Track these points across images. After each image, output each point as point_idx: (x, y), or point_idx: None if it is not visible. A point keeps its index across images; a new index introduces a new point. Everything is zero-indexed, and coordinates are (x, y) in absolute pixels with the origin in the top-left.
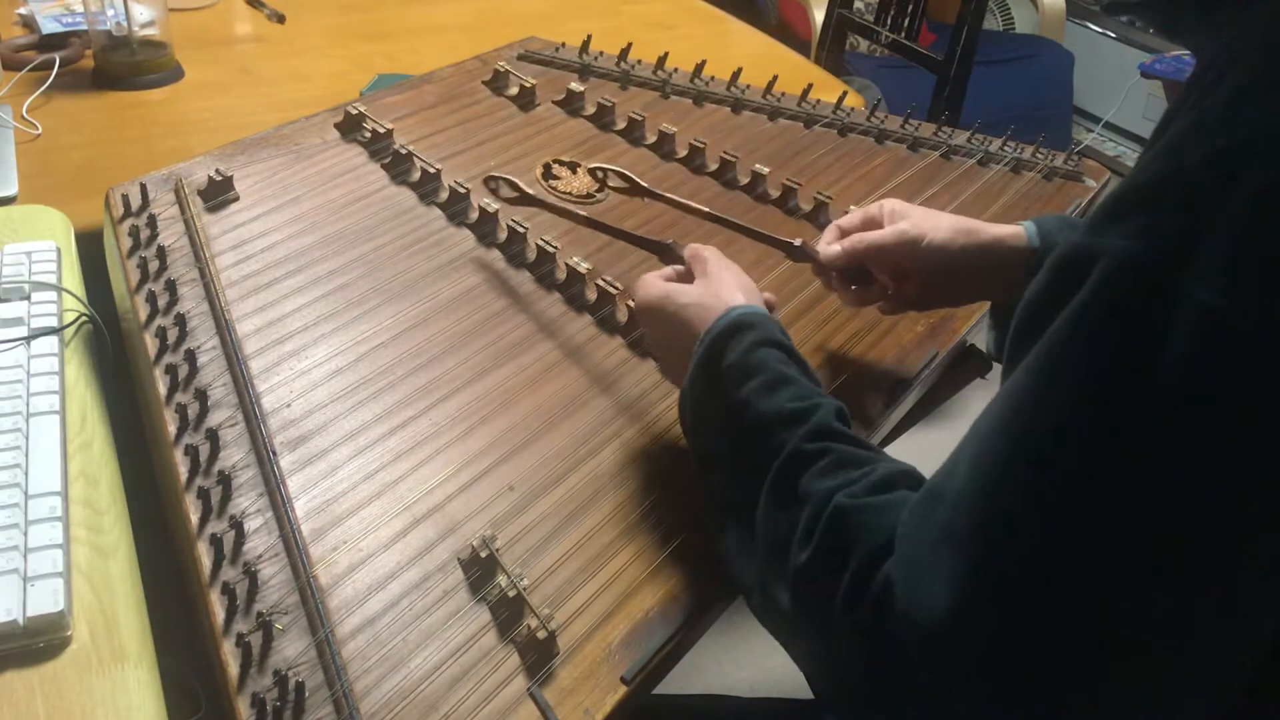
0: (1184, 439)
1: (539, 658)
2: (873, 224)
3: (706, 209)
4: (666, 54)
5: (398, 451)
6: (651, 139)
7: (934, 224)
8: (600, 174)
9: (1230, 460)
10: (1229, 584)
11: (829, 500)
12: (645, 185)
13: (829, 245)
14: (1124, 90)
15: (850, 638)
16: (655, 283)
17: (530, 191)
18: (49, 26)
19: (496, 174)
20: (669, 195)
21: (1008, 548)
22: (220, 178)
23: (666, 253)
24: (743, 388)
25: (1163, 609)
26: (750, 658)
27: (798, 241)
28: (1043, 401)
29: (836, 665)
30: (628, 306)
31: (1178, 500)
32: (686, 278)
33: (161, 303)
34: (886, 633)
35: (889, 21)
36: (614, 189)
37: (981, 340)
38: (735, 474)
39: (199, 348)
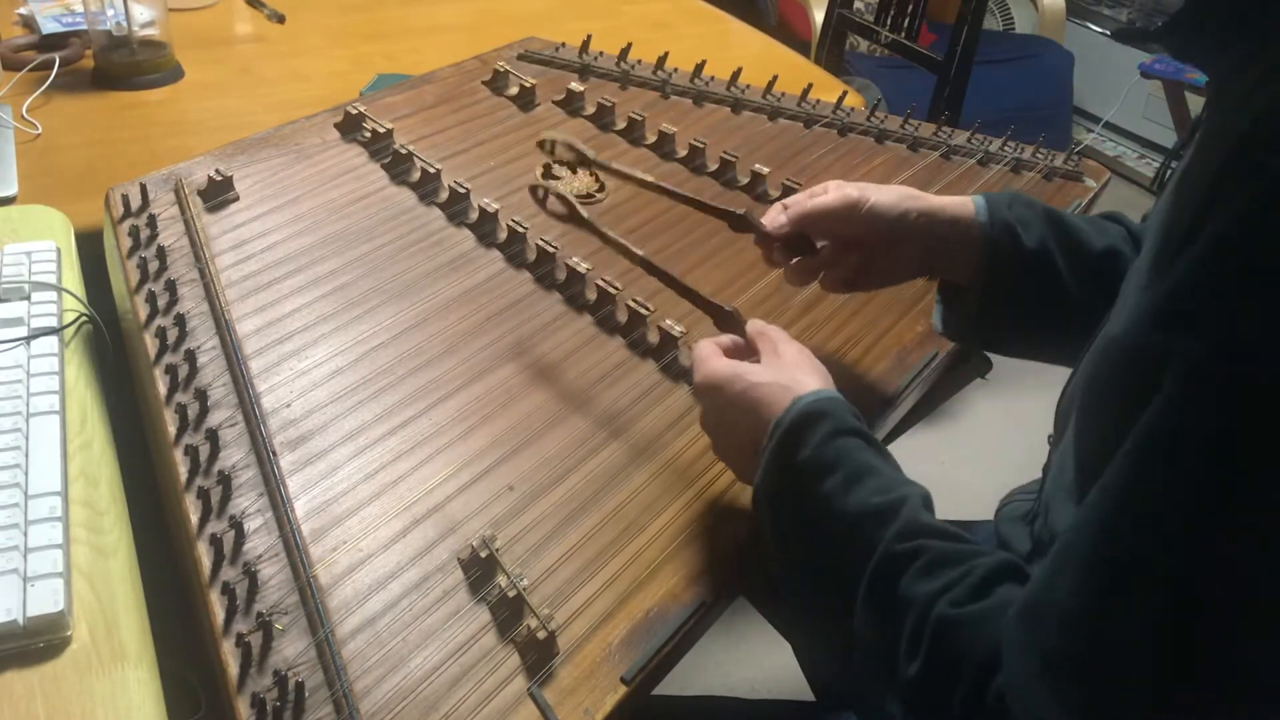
0: None
1: (539, 658)
2: (817, 197)
3: (651, 178)
4: (666, 54)
5: (398, 451)
6: (651, 139)
7: (878, 189)
8: (549, 146)
9: None
10: None
11: (931, 608)
12: (590, 156)
13: (775, 215)
14: (1124, 90)
15: None
16: (720, 359)
17: (584, 214)
18: (49, 26)
19: (549, 188)
20: (613, 165)
21: (1120, 671)
22: (220, 178)
23: (727, 320)
24: (823, 483)
25: None
26: (750, 658)
27: (741, 210)
28: (1137, 515)
29: None
30: (682, 357)
31: None
32: (746, 352)
33: (161, 303)
34: None
35: (889, 21)
36: (560, 161)
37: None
38: (821, 574)
39: (199, 348)
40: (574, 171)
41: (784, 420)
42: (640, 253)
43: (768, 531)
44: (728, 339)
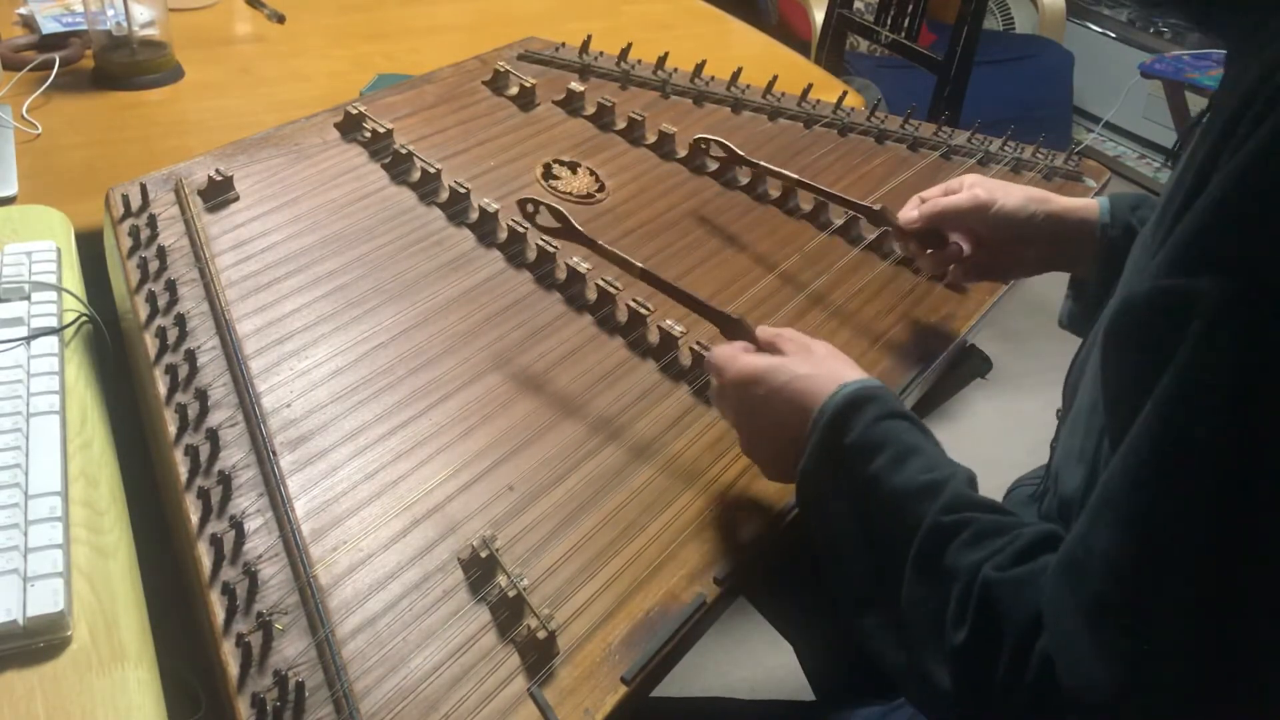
0: None
1: (539, 658)
2: (951, 194)
3: (794, 174)
4: (666, 54)
5: (398, 451)
6: (651, 139)
7: (1006, 191)
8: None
9: None
10: None
11: (976, 574)
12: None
13: (909, 210)
14: (1124, 90)
15: (1016, 714)
16: (753, 355)
17: (578, 226)
18: (49, 26)
19: (537, 200)
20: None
21: (1166, 615)
22: (220, 178)
23: (734, 328)
24: (871, 463)
25: None
26: (750, 658)
27: (877, 206)
28: (1177, 458)
29: None
30: (694, 350)
31: None
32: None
33: (161, 303)
34: (1050, 711)
35: (889, 21)
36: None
37: (981, 341)
38: (870, 553)
39: (199, 348)
40: (574, 171)
41: (829, 405)
42: (640, 264)
43: (813, 515)
44: (740, 345)
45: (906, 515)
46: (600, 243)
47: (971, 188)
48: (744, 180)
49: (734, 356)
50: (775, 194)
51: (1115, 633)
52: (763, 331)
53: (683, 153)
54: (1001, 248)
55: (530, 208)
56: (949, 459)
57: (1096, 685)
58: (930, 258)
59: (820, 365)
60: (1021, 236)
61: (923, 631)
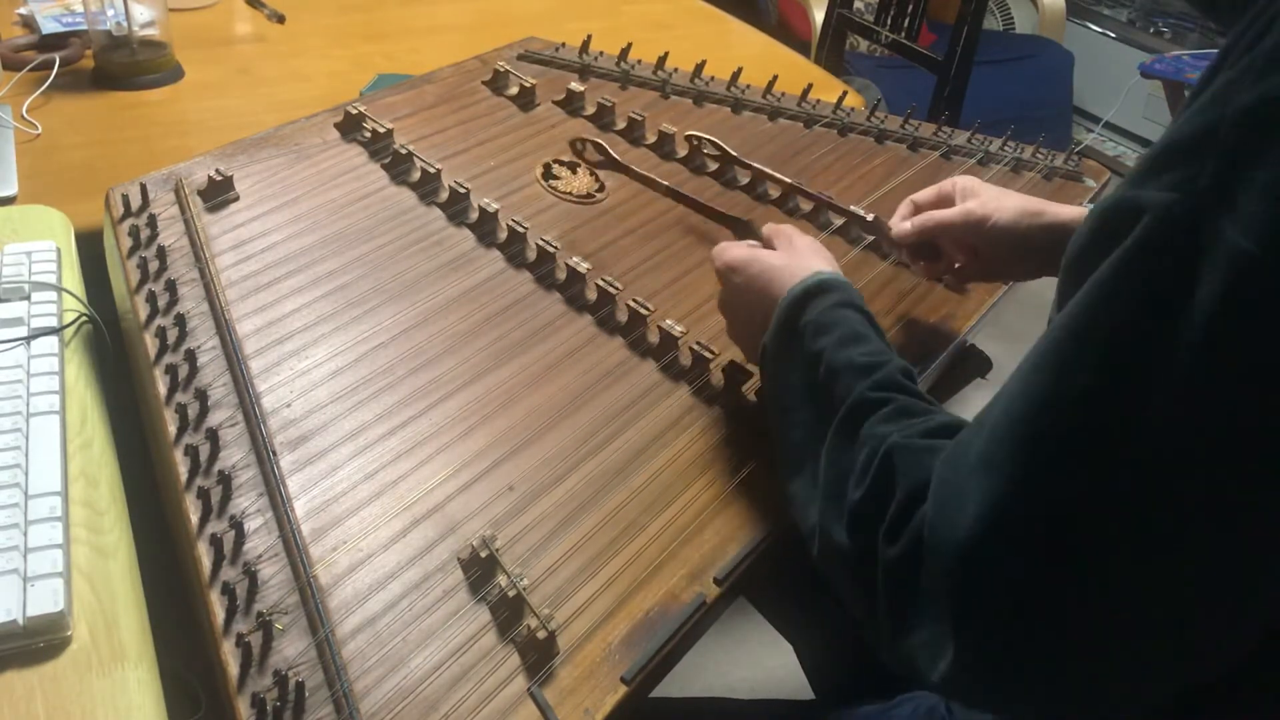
0: (1214, 377)
1: (539, 658)
2: (945, 200)
3: (790, 181)
4: (666, 54)
5: (398, 451)
6: (651, 139)
7: (1000, 204)
8: (582, 149)
9: (1257, 401)
10: (1252, 520)
11: (884, 441)
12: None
13: (901, 221)
14: (1124, 90)
15: (886, 569)
16: (739, 245)
17: (618, 157)
18: (49, 26)
19: (584, 138)
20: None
21: (1039, 472)
22: (220, 178)
23: (744, 228)
24: (820, 340)
25: (1189, 535)
26: (750, 658)
27: (870, 216)
28: (1079, 343)
29: (879, 598)
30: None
31: (1203, 432)
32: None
33: (161, 303)
34: (919, 565)
35: (889, 21)
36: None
37: (981, 341)
38: (806, 420)
39: (199, 348)
40: (574, 171)
41: (796, 289)
42: (665, 183)
43: (767, 388)
44: (747, 241)
45: (840, 387)
46: (634, 168)
47: (965, 198)
48: (744, 180)
49: (724, 249)
50: (775, 194)
51: (989, 480)
52: (767, 227)
53: (683, 153)
54: (996, 259)
55: (579, 145)
56: (892, 352)
57: (961, 523)
58: (924, 268)
59: (796, 257)
60: (1016, 249)
61: (832, 490)
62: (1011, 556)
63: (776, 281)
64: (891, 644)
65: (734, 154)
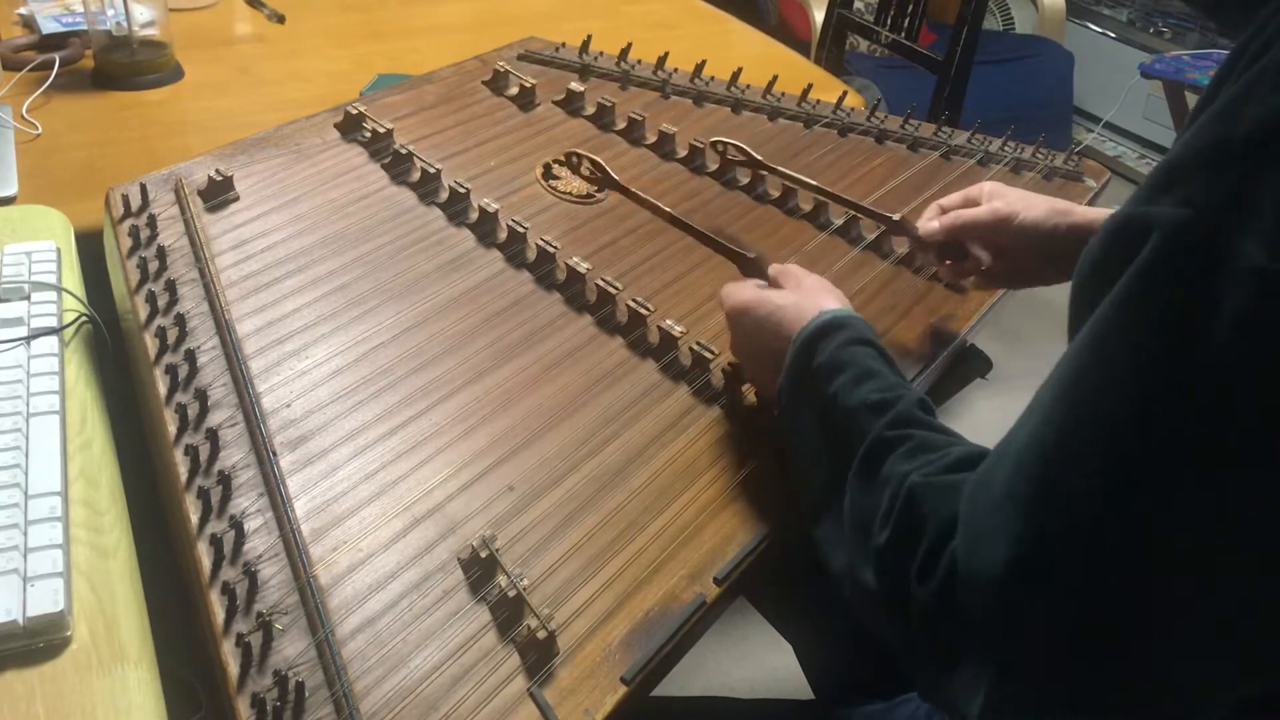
0: (1241, 399)
1: (539, 658)
2: (972, 203)
3: (812, 180)
4: (666, 54)
5: (398, 451)
6: (651, 139)
7: (1027, 204)
8: (577, 160)
9: None
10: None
11: (905, 480)
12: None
13: (928, 221)
14: (1124, 90)
15: (922, 610)
16: (747, 287)
17: (615, 175)
18: (49, 26)
19: (580, 153)
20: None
21: (1065, 508)
22: (220, 178)
23: (750, 265)
24: (832, 383)
25: (1225, 553)
26: (750, 658)
27: (896, 216)
28: (1101, 370)
29: (915, 640)
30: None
31: (1233, 451)
32: (772, 288)
33: (161, 303)
34: (955, 603)
35: (889, 21)
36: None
37: (981, 341)
38: (827, 466)
39: (199, 348)
40: (574, 172)
41: (805, 330)
42: (668, 209)
43: (786, 430)
44: (754, 280)
45: (856, 429)
46: (633, 189)
47: (992, 199)
48: (744, 180)
49: (731, 291)
50: (775, 194)
51: (1016, 519)
52: (773, 268)
53: (683, 153)
54: (1023, 259)
55: (575, 160)
56: (905, 384)
57: (993, 563)
58: (950, 268)
59: (805, 296)
60: (1044, 249)
61: (857, 534)
62: (1047, 590)
63: (786, 323)
64: (935, 682)
65: (759, 158)
